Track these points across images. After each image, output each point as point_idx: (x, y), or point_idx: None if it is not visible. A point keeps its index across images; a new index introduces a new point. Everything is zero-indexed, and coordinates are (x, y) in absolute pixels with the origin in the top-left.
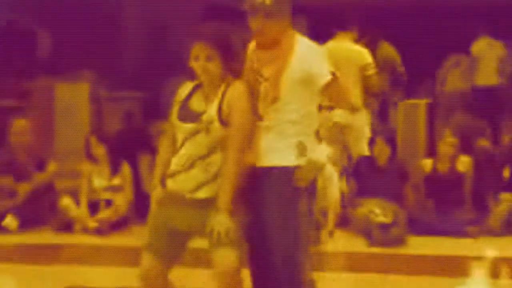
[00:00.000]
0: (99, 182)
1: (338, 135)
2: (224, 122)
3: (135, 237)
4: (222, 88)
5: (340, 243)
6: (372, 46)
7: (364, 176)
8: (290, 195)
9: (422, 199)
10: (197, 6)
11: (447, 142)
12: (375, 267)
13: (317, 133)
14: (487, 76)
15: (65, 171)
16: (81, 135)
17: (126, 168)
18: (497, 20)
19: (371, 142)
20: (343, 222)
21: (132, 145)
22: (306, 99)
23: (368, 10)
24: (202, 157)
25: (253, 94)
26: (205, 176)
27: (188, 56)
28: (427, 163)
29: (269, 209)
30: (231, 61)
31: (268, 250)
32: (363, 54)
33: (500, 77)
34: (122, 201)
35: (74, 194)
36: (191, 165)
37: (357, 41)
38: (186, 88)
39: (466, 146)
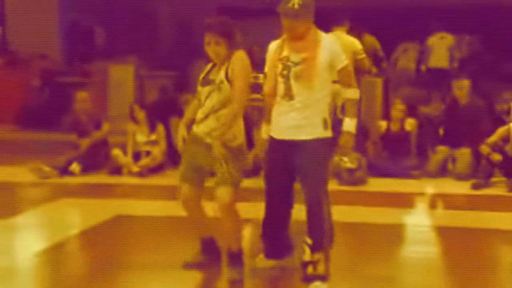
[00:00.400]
0: (140, 137)
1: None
2: (231, 82)
3: (168, 178)
4: (230, 58)
5: None
6: (358, 37)
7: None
8: (326, 156)
9: (379, 150)
10: (215, 5)
11: (397, 108)
12: (344, 201)
13: (342, 108)
14: (438, 60)
15: (116, 130)
16: (128, 104)
17: (161, 128)
18: (451, 17)
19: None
20: None
21: (165, 111)
22: (328, 80)
23: (353, 11)
24: (215, 110)
25: (280, 75)
26: (216, 124)
27: (203, 43)
28: (383, 124)
29: (312, 162)
30: (234, 45)
31: (312, 179)
32: (355, 43)
33: (450, 62)
34: (158, 152)
35: (123, 147)
36: (207, 116)
37: (348, 33)
38: (207, 67)
39: (412, 112)
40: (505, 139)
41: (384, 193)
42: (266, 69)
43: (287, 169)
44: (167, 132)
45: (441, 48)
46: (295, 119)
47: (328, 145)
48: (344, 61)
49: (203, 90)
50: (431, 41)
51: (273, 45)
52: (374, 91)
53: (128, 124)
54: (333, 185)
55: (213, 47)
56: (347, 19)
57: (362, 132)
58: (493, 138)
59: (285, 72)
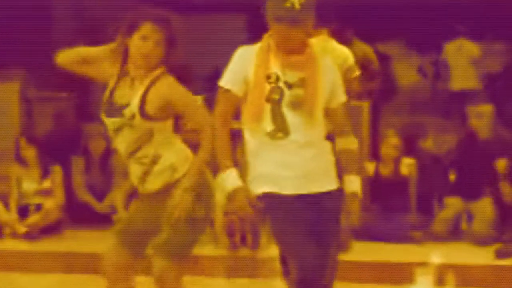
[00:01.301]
0: (28, 185)
1: None
2: (147, 116)
3: (67, 242)
4: (150, 78)
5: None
6: (346, 45)
7: None
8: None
9: (365, 203)
10: (130, 5)
11: (390, 143)
12: None
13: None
14: (463, 79)
15: None
16: (11, 137)
17: (57, 171)
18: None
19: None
20: None
21: (63, 147)
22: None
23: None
24: (132, 153)
25: (268, 100)
26: (141, 170)
27: (122, 33)
28: (370, 166)
29: (330, 225)
30: (173, 53)
31: (322, 249)
32: (350, 56)
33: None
34: (52, 205)
35: (4, 199)
36: (128, 159)
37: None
38: (111, 81)
39: (410, 148)
40: None
41: (373, 264)
42: (228, 84)
43: (308, 228)
44: (66, 177)
45: (460, 60)
46: (300, 166)
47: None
48: (342, 95)
49: (108, 122)
50: (448, 51)
51: (248, 52)
52: (358, 119)
53: (12, 166)
54: None
55: (149, 45)
56: (333, 18)
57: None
58: None
59: (275, 96)
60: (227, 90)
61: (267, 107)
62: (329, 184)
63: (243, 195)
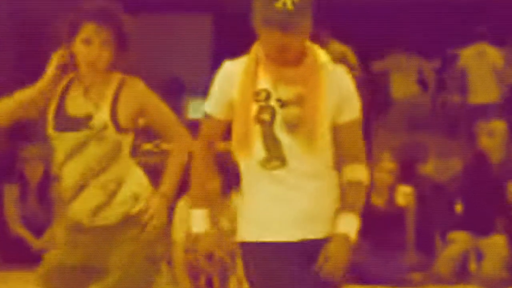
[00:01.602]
0: None
1: None
2: (120, 128)
3: None
4: (114, 85)
5: None
6: (323, 47)
7: None
8: None
9: (361, 241)
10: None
11: (384, 168)
12: None
13: None
14: (483, 92)
15: None
16: None
17: None
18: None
19: None
20: None
21: None
22: (330, 138)
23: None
24: (97, 173)
25: (258, 122)
26: (104, 195)
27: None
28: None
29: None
30: (125, 51)
31: None
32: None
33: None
34: None
35: None
36: (84, 185)
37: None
38: (58, 88)
39: (408, 173)
40: None
41: None
42: (209, 108)
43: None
44: None
45: (482, 69)
46: (298, 202)
47: None
48: (353, 111)
49: (65, 139)
50: (466, 58)
51: (234, 68)
52: None
53: None
54: None
55: (94, 48)
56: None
57: None
58: None
59: (265, 116)
60: (209, 115)
61: (258, 130)
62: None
63: (208, 242)
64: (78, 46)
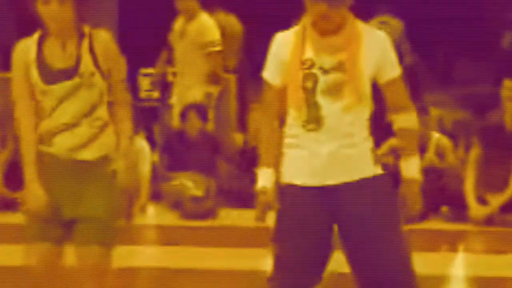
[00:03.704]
0: None
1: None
2: (104, 74)
3: None
4: (86, 37)
5: (152, 216)
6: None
7: (176, 150)
8: (393, 202)
9: (234, 171)
10: None
11: (253, 119)
12: (188, 239)
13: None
14: None
15: None
16: None
17: None
18: None
19: (183, 116)
20: (155, 196)
21: None
22: (370, 96)
23: None
24: (87, 114)
25: (302, 88)
26: (92, 131)
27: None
28: (239, 137)
29: (385, 214)
30: (83, 5)
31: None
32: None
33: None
34: None
35: None
36: (76, 124)
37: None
38: (26, 47)
39: None
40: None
41: (241, 229)
42: (268, 75)
43: (326, 231)
44: None
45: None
46: (331, 156)
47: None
48: (397, 69)
49: (56, 89)
50: None
51: (283, 38)
52: (227, 92)
53: None
54: (173, 220)
55: (54, 6)
56: None
57: (211, 147)
58: None
59: (308, 84)
60: (268, 82)
61: (302, 96)
62: (370, 170)
63: (265, 198)
64: (40, 7)
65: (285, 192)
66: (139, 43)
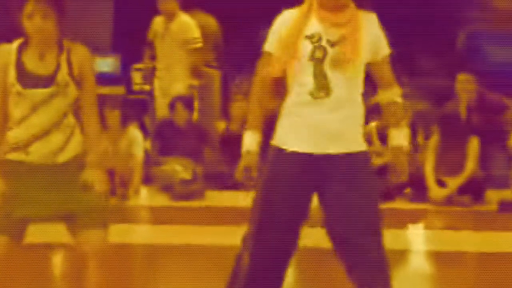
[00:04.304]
0: None
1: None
2: (78, 84)
3: None
4: (65, 50)
5: (145, 198)
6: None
7: (166, 137)
8: (374, 178)
9: (217, 157)
10: None
11: (236, 106)
12: (177, 219)
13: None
14: None
15: None
16: None
17: None
18: None
19: (172, 107)
20: (148, 179)
21: None
22: (363, 73)
23: None
24: (58, 122)
25: (310, 60)
26: (63, 138)
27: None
28: (221, 125)
29: (366, 188)
30: (63, 19)
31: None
32: (191, 27)
33: None
34: None
35: None
36: (47, 132)
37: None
38: (6, 52)
39: None
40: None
41: (226, 208)
42: (270, 47)
43: (305, 196)
44: None
45: None
46: (334, 124)
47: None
48: (386, 48)
49: (32, 94)
50: None
51: (288, 16)
52: (211, 85)
53: None
54: (164, 201)
55: (37, 21)
56: None
57: (198, 135)
58: None
59: (318, 54)
60: (268, 52)
61: (310, 66)
62: (361, 145)
63: (248, 161)
64: (24, 21)
65: (276, 155)
66: (131, 40)
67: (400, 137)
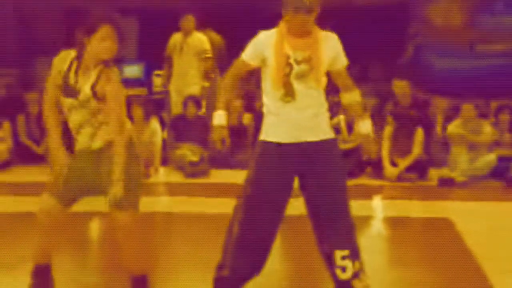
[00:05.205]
0: None
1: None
2: (99, 98)
3: (14, 175)
4: (98, 70)
5: (163, 176)
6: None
7: (179, 129)
8: (342, 160)
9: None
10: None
11: (235, 104)
12: (189, 192)
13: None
14: None
15: None
16: None
17: (7, 125)
18: None
19: (184, 105)
20: (164, 161)
21: (11, 108)
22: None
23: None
24: (88, 120)
25: (284, 74)
26: (93, 129)
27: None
28: None
29: (336, 168)
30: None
31: (334, 195)
32: (203, 41)
33: None
34: (4, 149)
35: None
36: (81, 126)
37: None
38: (64, 59)
39: (249, 106)
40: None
41: (226, 184)
42: (246, 57)
43: (288, 178)
44: (14, 129)
45: None
46: (304, 120)
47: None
48: (344, 60)
49: (65, 102)
50: None
51: (268, 36)
52: (215, 87)
53: None
54: (177, 178)
55: (110, 44)
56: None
57: (205, 126)
58: None
59: (286, 69)
60: (243, 60)
61: (283, 78)
62: (329, 134)
63: (219, 133)
64: (93, 42)
65: (261, 147)
66: (153, 51)
67: (366, 126)
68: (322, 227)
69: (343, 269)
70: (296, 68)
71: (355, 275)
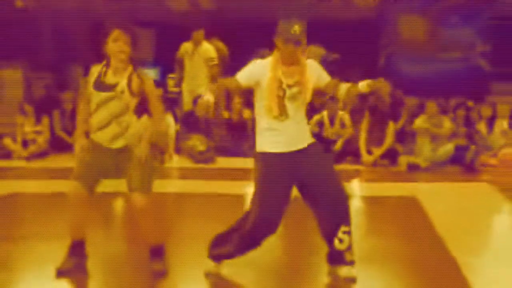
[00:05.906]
0: (28, 128)
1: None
2: (133, 93)
3: (50, 162)
4: (129, 70)
5: (176, 162)
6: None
7: (189, 122)
8: (327, 153)
9: (224, 135)
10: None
11: (236, 102)
12: (197, 176)
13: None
14: None
15: (7, 122)
16: (17, 100)
17: (45, 120)
18: None
19: (194, 102)
20: (177, 149)
21: (49, 106)
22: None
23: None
24: (116, 117)
25: (278, 96)
26: (119, 129)
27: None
28: (225, 114)
29: (326, 163)
30: (134, 50)
31: (330, 188)
32: (210, 50)
33: None
34: (42, 140)
35: (12, 136)
36: (108, 123)
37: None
38: (96, 68)
39: (248, 101)
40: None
41: (228, 169)
42: (240, 79)
43: (288, 181)
44: (51, 123)
45: None
46: (295, 133)
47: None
48: (327, 77)
49: (98, 95)
50: None
51: (264, 65)
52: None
53: (18, 117)
54: (188, 164)
55: (121, 44)
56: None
57: (210, 120)
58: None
59: (280, 93)
60: (237, 80)
61: (277, 100)
62: (308, 141)
63: (204, 103)
64: (109, 44)
65: (264, 157)
66: (167, 57)
67: (362, 83)
68: (324, 213)
69: (341, 240)
70: (288, 91)
71: (348, 248)
